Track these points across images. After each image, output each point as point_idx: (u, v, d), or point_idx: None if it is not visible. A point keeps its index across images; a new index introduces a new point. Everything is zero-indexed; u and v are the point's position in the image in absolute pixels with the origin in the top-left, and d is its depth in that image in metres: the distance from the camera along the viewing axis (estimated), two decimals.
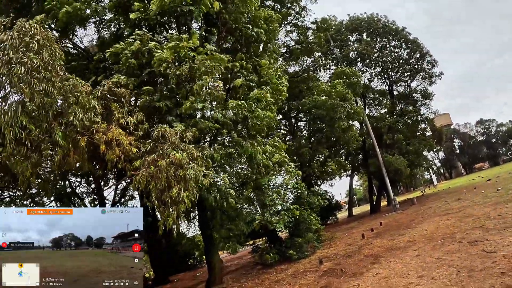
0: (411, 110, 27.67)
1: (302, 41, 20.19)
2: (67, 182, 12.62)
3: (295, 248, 11.93)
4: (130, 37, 8.38)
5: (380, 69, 28.34)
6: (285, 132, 23.82)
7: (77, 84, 6.26)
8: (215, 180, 8.32)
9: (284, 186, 12.38)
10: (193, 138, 7.22)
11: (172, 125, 7.68)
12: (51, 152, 6.16)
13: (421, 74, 28.34)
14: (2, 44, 5.76)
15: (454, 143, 73.15)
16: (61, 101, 6.30)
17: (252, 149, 9.01)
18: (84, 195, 14.49)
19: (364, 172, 32.97)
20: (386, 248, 9.42)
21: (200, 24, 10.09)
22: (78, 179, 14.37)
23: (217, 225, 10.13)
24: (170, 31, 10.65)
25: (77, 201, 13.20)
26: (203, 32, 10.64)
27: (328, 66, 25.93)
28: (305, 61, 22.54)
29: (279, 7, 18.55)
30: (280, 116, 21.63)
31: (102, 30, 11.66)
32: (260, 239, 14.51)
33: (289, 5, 19.08)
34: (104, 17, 11.03)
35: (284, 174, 12.72)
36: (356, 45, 26.98)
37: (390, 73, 28.61)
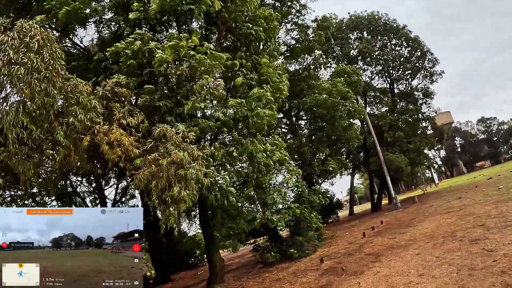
0: (412, 108, 27.62)
1: (302, 39, 20.13)
2: (68, 181, 12.65)
3: (296, 247, 11.95)
4: (130, 37, 8.37)
5: (381, 67, 28.29)
6: (286, 130, 23.81)
7: (78, 84, 6.27)
8: (216, 179, 8.32)
9: (285, 185, 12.38)
10: (195, 138, 7.22)
11: (172, 125, 7.69)
12: (52, 152, 6.17)
13: (422, 72, 28.27)
14: (3, 45, 5.76)
15: (455, 141, 72.96)
16: (62, 101, 6.31)
17: (252, 147, 9.02)
18: (85, 194, 14.54)
19: (365, 171, 32.95)
20: (387, 246, 9.43)
21: (200, 23, 10.08)
22: (79, 179, 14.42)
23: (218, 224, 10.15)
24: (170, 30, 10.66)
25: (78, 200, 13.24)
26: (203, 31, 10.64)
27: (329, 65, 25.90)
28: (305, 60, 22.51)
29: (279, 5, 18.51)
30: (281, 115, 21.62)
31: (102, 29, 11.65)
32: (261, 238, 14.55)
33: (289, 3, 19.02)
34: (104, 16, 11.02)
35: (285, 173, 12.73)
36: (357, 43, 26.93)
37: (391, 71, 28.55)
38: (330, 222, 26.20)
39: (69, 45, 11.17)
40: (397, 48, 28.06)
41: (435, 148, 48.82)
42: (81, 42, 12.12)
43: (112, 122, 6.65)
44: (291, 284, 8.37)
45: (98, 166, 9.02)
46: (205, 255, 19.11)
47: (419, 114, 28.01)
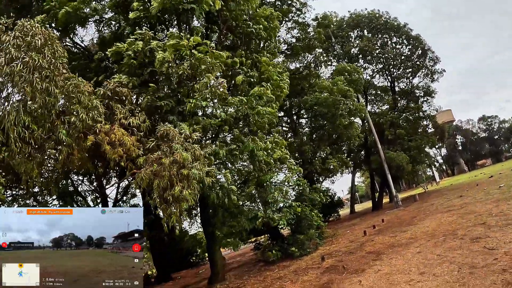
0: (413, 106, 27.57)
1: (303, 37, 20.10)
2: (69, 180, 12.68)
3: (297, 245, 11.97)
4: (131, 36, 8.37)
5: (381, 65, 28.22)
6: (287, 129, 23.82)
7: (79, 83, 6.28)
8: (217, 177, 8.34)
9: (286, 183, 12.40)
10: (197, 135, 7.22)
11: (175, 124, 7.70)
12: (55, 151, 6.19)
13: (423, 71, 28.19)
14: (4, 44, 5.77)
15: (456, 140, 72.87)
16: (63, 101, 6.32)
17: (253, 145, 9.02)
18: (87, 194, 14.58)
19: (366, 169, 32.93)
20: (388, 245, 9.44)
21: (201, 21, 10.07)
22: (80, 178, 14.46)
23: (219, 222, 10.17)
24: (170, 29, 10.66)
25: (79, 199, 13.28)
26: (204, 30, 10.64)
27: (329, 63, 25.87)
28: (306, 58, 22.49)
29: (279, 4, 18.49)
30: (282, 113, 21.62)
31: (102, 29, 11.66)
32: (262, 236, 14.56)
33: (289, 1, 19.00)
34: (104, 16, 11.03)
35: (286, 171, 12.75)
36: (357, 42, 26.87)
37: (392, 69, 28.48)
38: (331, 221, 26.20)
39: (69, 44, 11.19)
40: (398, 46, 27.96)
41: (436, 146, 48.78)
42: (82, 41, 12.17)
43: (114, 121, 6.66)
44: (293, 282, 8.39)
45: (100, 165, 9.04)
46: (206, 254, 19.17)
47: (420, 113, 27.96)
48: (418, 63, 27.98)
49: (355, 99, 19.67)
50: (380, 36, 27.67)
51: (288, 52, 20.97)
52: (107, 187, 14.53)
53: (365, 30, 27.72)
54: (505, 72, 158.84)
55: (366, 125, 24.92)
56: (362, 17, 27.22)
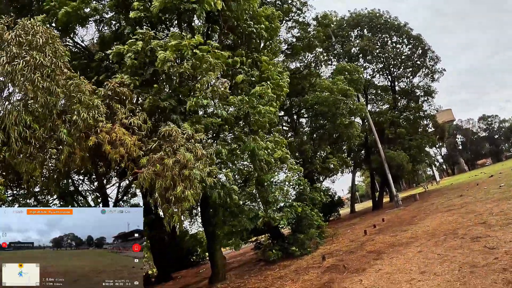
0: (413, 106, 27.58)
1: (303, 37, 20.10)
2: (70, 180, 12.68)
3: (298, 245, 11.98)
4: (132, 36, 8.36)
5: (382, 65, 28.22)
6: (287, 128, 23.82)
7: (80, 83, 6.28)
8: (218, 177, 8.34)
9: (287, 183, 12.41)
10: (200, 136, 7.22)
11: (178, 124, 7.70)
12: (56, 151, 6.19)
13: (423, 70, 28.19)
14: (6, 43, 5.77)
15: (456, 139, 72.90)
16: (64, 100, 6.32)
17: (254, 144, 9.02)
18: (87, 193, 14.59)
19: (366, 168, 32.94)
20: (388, 244, 9.45)
21: (201, 21, 10.07)
22: (81, 177, 14.47)
23: (220, 222, 10.18)
24: (171, 29, 10.65)
25: (80, 199, 13.27)
26: (205, 29, 10.64)
27: (329, 62, 25.87)
28: (306, 57, 22.49)
29: (279, 3, 18.47)
30: (282, 113, 21.62)
31: (102, 28, 11.64)
32: (263, 236, 14.57)
33: (290, 1, 18.99)
34: (104, 15, 11.01)
35: (286, 171, 12.75)
36: (357, 41, 26.86)
37: (392, 69, 28.48)
38: (332, 220, 26.21)
39: (70, 44, 11.18)
40: (398, 46, 27.99)
41: (436, 146, 48.76)
42: (82, 41, 12.15)
43: (115, 121, 6.66)
44: (293, 281, 8.40)
45: (101, 165, 9.04)
46: (206, 253, 19.16)
47: (420, 112, 27.97)
48: (418, 62, 28.00)
49: (356, 99, 19.67)
50: (380, 35, 27.68)
51: (288, 52, 20.97)
52: (107, 186, 14.54)
53: (365, 30, 27.74)
54: (505, 72, 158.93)
55: (366, 125, 24.93)
56: (362, 17, 27.23)
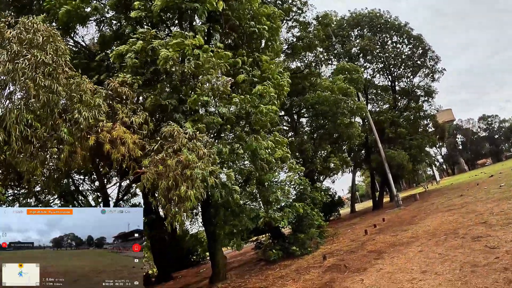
0: (413, 106, 27.58)
1: (303, 36, 20.10)
2: (70, 180, 12.68)
3: (298, 244, 11.98)
4: (133, 36, 8.36)
5: (382, 65, 28.22)
6: (288, 128, 23.83)
7: (81, 82, 6.27)
8: (220, 176, 8.34)
9: (288, 183, 12.40)
10: (202, 137, 7.23)
11: (179, 123, 7.69)
12: (57, 150, 6.18)
13: (424, 70, 28.18)
14: (7, 41, 5.77)
15: (456, 139, 72.92)
16: (65, 100, 6.31)
17: (256, 143, 9.02)
18: (88, 193, 14.60)
19: (366, 168, 32.94)
20: (389, 244, 9.45)
21: (203, 21, 10.07)
22: (81, 177, 14.47)
23: (221, 222, 10.17)
24: (172, 28, 10.65)
25: (80, 198, 13.27)
26: (206, 29, 10.62)
27: (330, 62, 25.87)
28: (306, 57, 22.48)
29: (280, 3, 18.46)
30: (282, 113, 21.62)
31: (103, 28, 11.64)
32: (263, 236, 14.57)
33: (290, 0, 18.98)
34: (105, 15, 11.01)
35: (287, 171, 12.75)
36: (358, 41, 26.86)
37: (392, 69, 28.47)
38: (332, 220, 26.23)
39: (70, 44, 11.18)
40: (398, 46, 27.97)
41: (437, 145, 48.76)
42: (83, 40, 12.16)
43: (116, 120, 6.66)
44: (294, 281, 8.40)
45: (102, 164, 9.04)
46: (207, 253, 19.17)
47: (421, 112, 27.97)
48: (418, 62, 27.97)
49: (356, 98, 19.66)
50: (380, 35, 27.68)
51: (288, 51, 20.97)
52: (108, 186, 14.55)
53: (365, 29, 27.72)
54: (505, 72, 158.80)
55: (366, 124, 24.93)
56: (362, 16, 27.23)
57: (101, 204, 13.54)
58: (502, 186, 14.82)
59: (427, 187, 36.78)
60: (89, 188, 14.97)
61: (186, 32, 8.45)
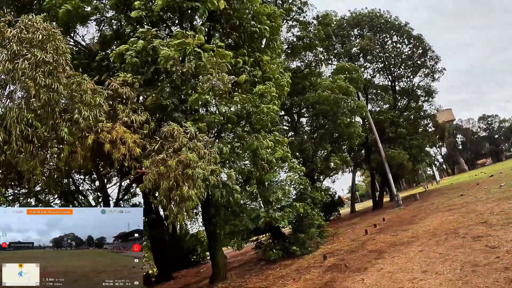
0: (413, 106, 27.59)
1: (303, 36, 20.10)
2: (71, 179, 12.68)
3: (298, 244, 11.98)
4: (133, 35, 8.36)
5: (382, 64, 28.22)
6: (288, 128, 23.82)
7: (82, 81, 6.26)
8: (220, 176, 8.35)
9: (288, 182, 12.40)
10: (203, 136, 7.22)
11: (180, 122, 7.69)
12: (57, 149, 6.18)
13: (424, 70, 28.17)
14: (7, 41, 5.76)
15: (456, 139, 72.94)
16: (66, 99, 6.30)
17: (257, 143, 9.02)
18: (88, 193, 14.60)
19: (366, 168, 32.95)
20: (389, 243, 9.45)
21: (203, 20, 10.07)
22: (82, 177, 14.48)
23: (221, 222, 10.17)
24: (172, 28, 10.64)
25: (81, 198, 13.27)
26: (206, 29, 10.63)
27: (330, 62, 25.86)
28: (307, 57, 22.48)
29: (280, 2, 18.46)
30: (283, 112, 21.63)
31: (103, 28, 11.64)
32: (263, 235, 14.57)
33: (290, 0, 18.98)
34: (105, 14, 11.01)
35: (287, 171, 12.75)
36: (358, 41, 26.86)
37: (392, 68, 28.47)
38: (332, 220, 26.24)
39: (71, 43, 11.17)
40: (399, 46, 27.96)
41: (437, 145, 48.76)
42: (83, 40, 12.15)
43: (117, 120, 6.66)
44: (295, 281, 8.40)
45: (102, 164, 9.04)
46: (207, 253, 19.17)
47: (421, 112, 27.97)
48: (418, 62, 27.96)
49: (356, 98, 19.66)
50: (380, 35, 27.68)
51: (288, 51, 20.97)
52: (108, 186, 14.55)
53: (365, 29, 27.71)
54: (505, 72, 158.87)
55: (366, 124, 24.94)
56: (362, 16, 27.22)
57: (101, 204, 13.54)
58: (502, 186, 14.82)
59: (427, 187, 36.81)
60: (89, 188, 14.98)
61: (187, 32, 8.45)
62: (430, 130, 31.00)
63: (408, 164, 24.27)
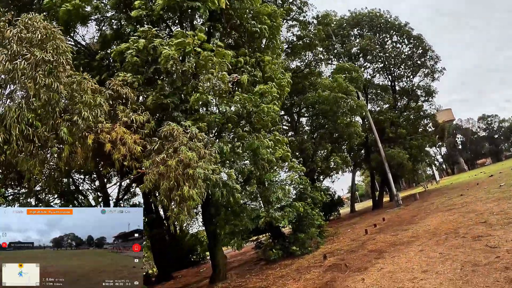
0: (413, 106, 27.59)
1: (303, 36, 20.10)
2: (70, 179, 12.68)
3: (298, 244, 11.99)
4: (134, 34, 8.35)
5: (382, 64, 28.22)
6: (287, 128, 23.82)
7: (82, 80, 6.25)
8: (221, 175, 8.35)
9: (288, 182, 12.41)
10: (202, 136, 7.22)
11: (179, 122, 7.69)
12: (57, 149, 6.17)
13: (424, 70, 28.17)
14: (7, 41, 5.75)
15: (456, 139, 72.95)
16: (66, 99, 6.29)
17: (257, 142, 9.02)
18: (88, 192, 14.61)
19: (366, 168, 32.95)
20: (389, 243, 9.45)
21: (204, 20, 10.07)
22: (82, 177, 14.48)
23: (222, 221, 10.17)
24: (172, 28, 10.63)
25: (80, 198, 13.28)
26: (206, 28, 10.62)
27: (330, 62, 25.86)
28: (307, 56, 22.49)
29: (280, 2, 18.46)
30: (283, 112, 21.63)
31: (103, 27, 11.63)
32: (263, 235, 14.58)
33: (290, 0, 18.99)
34: (105, 14, 11.00)
35: (287, 170, 12.75)
36: (358, 40, 26.86)
37: (392, 68, 28.47)
38: (332, 219, 26.25)
39: (71, 43, 11.16)
40: (398, 46, 27.96)
41: (436, 145, 48.77)
42: (83, 39, 12.14)
43: (117, 120, 6.65)
44: (295, 280, 8.40)
45: (102, 163, 9.03)
46: (207, 253, 19.19)
47: (421, 112, 27.98)
48: (418, 62, 27.95)
49: (356, 97, 19.66)
50: (380, 35, 27.68)
51: (288, 51, 20.97)
52: (108, 186, 14.55)
53: (365, 29, 27.71)
54: (505, 72, 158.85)
55: (366, 124, 24.94)
56: (362, 16, 27.22)
57: (101, 204, 13.55)
58: (502, 186, 14.83)
59: (427, 187, 36.82)
60: (89, 188, 14.99)
61: (187, 32, 8.44)
62: (430, 130, 30.96)
63: (408, 163, 24.27)
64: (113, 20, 11.01)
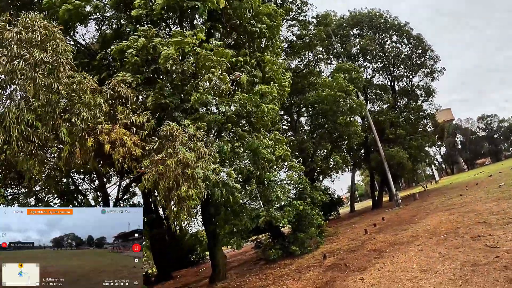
0: (413, 106, 27.60)
1: (303, 35, 20.10)
2: (70, 179, 12.68)
3: (298, 244, 11.99)
4: (134, 33, 8.35)
5: (381, 64, 28.23)
6: (287, 127, 23.82)
7: (82, 81, 6.25)
8: (220, 175, 8.35)
9: (288, 181, 12.41)
10: (202, 135, 7.21)
11: (179, 121, 7.69)
12: (57, 149, 6.17)
13: (423, 70, 28.18)
14: (7, 41, 5.74)
15: (456, 139, 73.02)
16: (66, 99, 6.29)
17: (257, 142, 9.03)
18: (88, 192, 14.60)
19: (365, 168, 32.97)
20: (389, 243, 9.46)
21: (204, 19, 10.07)
22: (81, 176, 14.48)
23: (221, 221, 10.18)
24: (172, 27, 10.63)
25: (80, 198, 13.28)
26: (206, 28, 10.63)
27: (329, 61, 25.86)
28: (306, 56, 22.49)
29: (280, 2, 18.47)
30: (282, 112, 21.63)
31: (103, 27, 11.62)
32: (263, 235, 14.58)
33: (290, 0, 18.99)
34: (105, 14, 10.99)
35: (287, 170, 12.76)
36: (357, 40, 26.86)
37: (392, 68, 28.48)
38: (331, 219, 26.27)
39: (71, 43, 11.15)
40: (398, 46, 27.96)
41: (436, 145, 48.82)
42: (83, 39, 12.12)
43: (116, 121, 6.65)
44: (295, 280, 8.40)
45: (101, 163, 9.03)
46: (206, 252, 19.18)
47: (420, 112, 27.99)
48: (418, 62, 27.96)
49: (355, 97, 19.68)
50: (380, 35, 27.68)
51: (288, 50, 20.97)
52: (108, 186, 14.55)
53: (365, 29, 27.70)
54: (505, 72, 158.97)
55: (366, 124, 24.95)
56: (362, 16, 27.21)
57: (101, 204, 13.54)
58: (502, 186, 14.85)
59: (427, 187, 36.82)
60: (89, 188, 14.99)
61: (185, 31, 8.44)
62: (429, 130, 30.98)
63: (408, 163, 24.29)
64: (113, 20, 11.00)
